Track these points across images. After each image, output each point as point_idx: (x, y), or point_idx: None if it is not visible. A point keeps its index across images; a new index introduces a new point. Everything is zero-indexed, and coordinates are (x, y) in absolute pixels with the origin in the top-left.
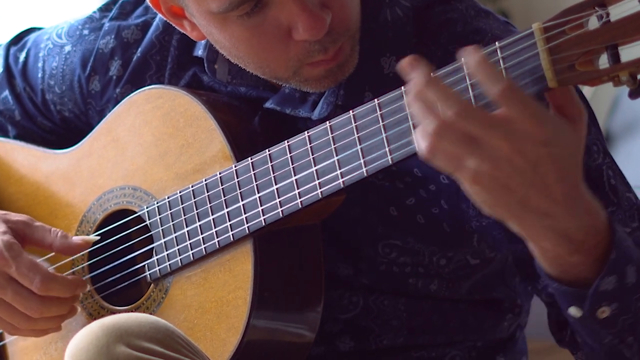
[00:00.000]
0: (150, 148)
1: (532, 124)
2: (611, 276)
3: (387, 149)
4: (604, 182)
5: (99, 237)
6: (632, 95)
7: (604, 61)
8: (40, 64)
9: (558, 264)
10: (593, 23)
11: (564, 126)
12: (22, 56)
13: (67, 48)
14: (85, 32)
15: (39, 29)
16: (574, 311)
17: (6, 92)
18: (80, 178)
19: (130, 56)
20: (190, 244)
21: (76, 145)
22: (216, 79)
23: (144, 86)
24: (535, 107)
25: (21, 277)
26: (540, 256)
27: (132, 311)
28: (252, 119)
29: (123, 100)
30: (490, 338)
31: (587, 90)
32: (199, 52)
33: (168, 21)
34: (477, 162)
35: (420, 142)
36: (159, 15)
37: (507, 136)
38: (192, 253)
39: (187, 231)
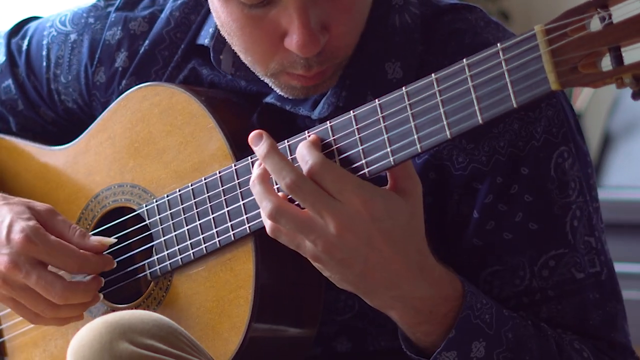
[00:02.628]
0: (148, 145)
1: (358, 202)
2: (450, 352)
3: (389, 150)
4: (567, 221)
5: (116, 240)
6: (636, 96)
7: (607, 63)
8: (44, 52)
9: (411, 332)
10: (595, 25)
11: (394, 200)
12: (24, 44)
13: (73, 36)
14: (91, 20)
15: (38, 18)
16: None
17: (9, 81)
18: (77, 175)
19: (137, 48)
20: (190, 243)
21: (73, 142)
22: (220, 70)
23: (149, 80)
24: (357, 184)
25: (53, 258)
26: (396, 322)
27: (132, 309)
28: (251, 115)
29: (119, 97)
30: None
31: (588, 90)
32: (205, 40)
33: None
34: (312, 243)
35: (265, 222)
36: (168, 9)
37: (335, 215)
38: (193, 252)
39: (187, 230)
